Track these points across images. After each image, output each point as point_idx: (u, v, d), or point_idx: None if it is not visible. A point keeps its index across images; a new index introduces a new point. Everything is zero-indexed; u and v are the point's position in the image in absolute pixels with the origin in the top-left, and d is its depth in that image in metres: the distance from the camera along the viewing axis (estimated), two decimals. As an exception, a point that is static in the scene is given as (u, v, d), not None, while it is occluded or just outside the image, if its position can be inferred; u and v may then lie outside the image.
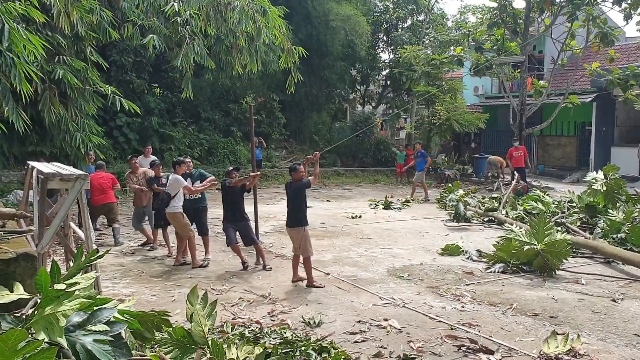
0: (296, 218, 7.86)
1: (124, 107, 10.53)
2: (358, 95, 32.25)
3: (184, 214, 8.88)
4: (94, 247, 4.99)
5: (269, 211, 13.99)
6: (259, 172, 9.05)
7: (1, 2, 7.04)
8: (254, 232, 8.91)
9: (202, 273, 8.36)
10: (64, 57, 10.03)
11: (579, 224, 11.17)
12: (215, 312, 4.10)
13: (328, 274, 8.22)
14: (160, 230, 9.95)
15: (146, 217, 10.39)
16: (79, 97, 10.25)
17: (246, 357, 3.92)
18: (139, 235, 10.58)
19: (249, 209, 9.10)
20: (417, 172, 17.71)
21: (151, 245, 10.02)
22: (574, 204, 12.09)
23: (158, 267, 8.78)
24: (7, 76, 7.11)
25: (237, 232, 8.71)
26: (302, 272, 7.94)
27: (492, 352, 5.30)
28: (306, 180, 7.96)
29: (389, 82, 30.51)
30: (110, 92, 10.51)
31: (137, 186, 10.18)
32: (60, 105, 9.93)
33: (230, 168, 9.17)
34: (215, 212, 11.42)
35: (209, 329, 3.90)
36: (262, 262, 8.76)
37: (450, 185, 16.60)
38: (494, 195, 16.07)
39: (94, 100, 10.68)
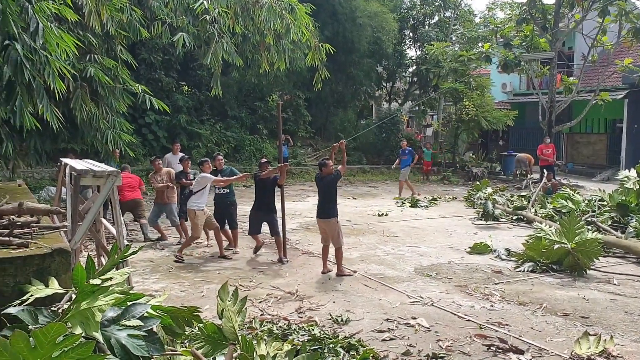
0: (328, 210, 8.17)
1: (154, 105, 10.66)
2: (384, 92, 32.08)
3: (197, 211, 8.99)
4: (126, 243, 5.07)
5: (294, 208, 14.02)
6: (286, 163, 9.25)
7: (35, 2, 7.17)
8: (279, 226, 9.10)
9: (229, 269, 8.42)
10: (95, 56, 10.17)
11: (610, 222, 10.95)
12: (245, 308, 4.12)
13: (355, 271, 8.21)
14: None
15: (163, 214, 10.60)
16: (109, 95, 10.39)
17: (276, 354, 3.93)
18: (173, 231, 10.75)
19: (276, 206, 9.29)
20: (403, 170, 17.29)
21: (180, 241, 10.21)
22: (605, 203, 11.86)
23: (186, 262, 8.86)
24: (41, 74, 7.23)
25: (265, 223, 9.11)
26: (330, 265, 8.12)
27: (522, 352, 5.24)
28: (336, 172, 8.26)
29: (415, 79, 30.29)
30: (140, 90, 10.65)
31: (162, 184, 10.37)
32: (92, 103, 10.08)
33: (264, 160, 9.50)
34: (243, 209, 11.48)
35: (239, 326, 3.92)
36: (279, 256, 8.95)
37: (478, 183, 16.44)
38: (522, 193, 15.86)
39: (124, 98, 10.81)
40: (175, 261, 8.79)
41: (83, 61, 9.88)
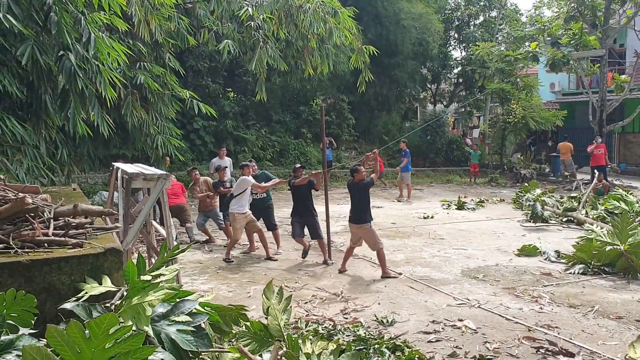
0: (362, 215, 8.29)
1: (202, 111, 10.91)
2: (429, 94, 31.82)
3: (237, 215, 9.17)
4: (175, 243, 5.21)
5: (339, 211, 14.03)
6: (320, 171, 9.39)
7: (88, 13, 7.44)
8: (320, 228, 9.25)
9: (275, 270, 8.52)
10: (145, 63, 10.46)
11: (666, 224, 10.57)
12: (291, 307, 4.17)
13: (400, 273, 8.18)
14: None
15: (209, 219, 10.94)
16: (158, 101, 10.66)
17: (321, 352, 3.97)
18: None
19: (319, 208, 9.45)
20: (404, 173, 17.12)
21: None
22: (661, 204, 11.46)
23: (233, 264, 9.01)
24: (93, 82, 7.48)
25: (306, 226, 9.22)
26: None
27: (572, 355, 5.12)
28: (369, 179, 8.40)
29: (461, 80, 29.95)
30: (188, 96, 10.92)
31: (202, 194, 10.78)
32: (142, 109, 10.37)
33: (297, 165, 9.68)
34: (281, 211, 11.69)
35: (284, 324, 3.98)
36: (323, 258, 9.07)
37: (526, 184, 16.13)
38: (572, 194, 15.46)
39: (173, 105, 11.10)
40: (225, 260, 9.11)
41: (133, 69, 10.17)
